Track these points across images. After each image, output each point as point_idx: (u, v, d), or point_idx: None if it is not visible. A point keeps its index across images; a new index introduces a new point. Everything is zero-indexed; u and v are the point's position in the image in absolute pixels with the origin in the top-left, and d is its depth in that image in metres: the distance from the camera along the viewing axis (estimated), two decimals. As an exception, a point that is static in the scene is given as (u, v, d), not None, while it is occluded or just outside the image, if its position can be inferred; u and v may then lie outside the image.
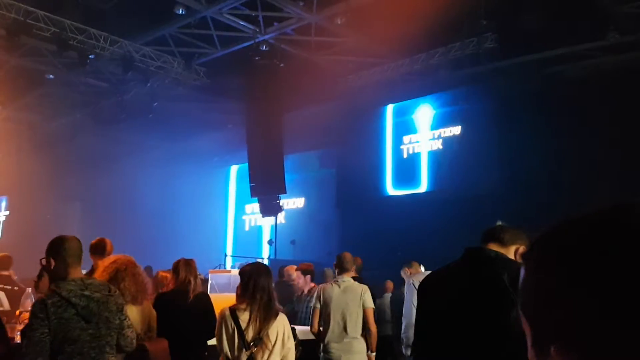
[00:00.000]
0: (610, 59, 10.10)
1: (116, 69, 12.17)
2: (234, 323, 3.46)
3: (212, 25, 11.02)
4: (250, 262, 4.16)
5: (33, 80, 13.24)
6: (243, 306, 3.51)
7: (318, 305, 5.05)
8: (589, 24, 9.41)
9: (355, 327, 4.98)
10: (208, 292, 6.08)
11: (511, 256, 2.34)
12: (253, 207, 16.25)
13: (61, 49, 10.68)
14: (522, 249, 2.39)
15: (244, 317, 3.48)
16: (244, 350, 3.43)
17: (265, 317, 3.49)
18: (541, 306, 0.62)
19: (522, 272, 0.66)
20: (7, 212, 20.74)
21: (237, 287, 3.67)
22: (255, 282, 3.54)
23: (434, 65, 11.64)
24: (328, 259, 12.89)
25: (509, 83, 11.00)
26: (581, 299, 0.57)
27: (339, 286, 5.06)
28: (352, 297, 5.02)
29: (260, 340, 3.45)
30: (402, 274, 6.33)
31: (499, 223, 2.56)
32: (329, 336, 4.98)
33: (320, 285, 5.26)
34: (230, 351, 3.46)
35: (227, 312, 3.50)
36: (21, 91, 13.39)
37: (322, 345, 5.03)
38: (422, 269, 6.20)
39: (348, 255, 5.23)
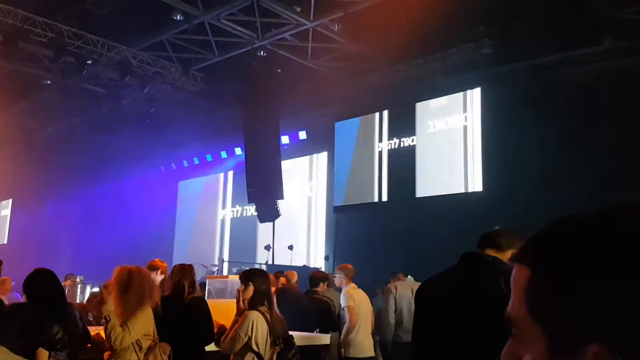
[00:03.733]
0: (606, 65, 10.15)
1: (113, 75, 12.17)
2: (266, 325, 3.91)
3: (210, 31, 11.04)
4: (252, 268, 4.45)
5: (30, 85, 13.24)
6: (265, 309, 3.95)
7: (353, 304, 5.88)
8: (584, 30, 9.47)
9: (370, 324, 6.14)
10: (206, 298, 6.07)
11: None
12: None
13: (58, 55, 10.68)
14: None
15: (268, 319, 3.95)
16: (275, 348, 3.94)
17: (283, 318, 4.12)
18: (570, 306, 0.58)
19: (524, 273, 0.63)
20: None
21: (246, 292, 3.98)
22: (269, 287, 4.08)
23: (430, 71, 11.67)
24: (325, 264, 12.93)
25: (505, 88, 11.04)
26: (634, 295, 0.55)
27: (359, 292, 6.08)
28: (368, 301, 6.17)
29: (284, 339, 4.01)
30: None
31: (497, 228, 2.56)
32: (358, 332, 5.83)
33: (348, 290, 6.01)
34: (262, 350, 3.88)
35: (260, 315, 3.91)
36: (18, 96, 13.39)
37: (348, 339, 5.82)
38: (410, 278, 6.69)
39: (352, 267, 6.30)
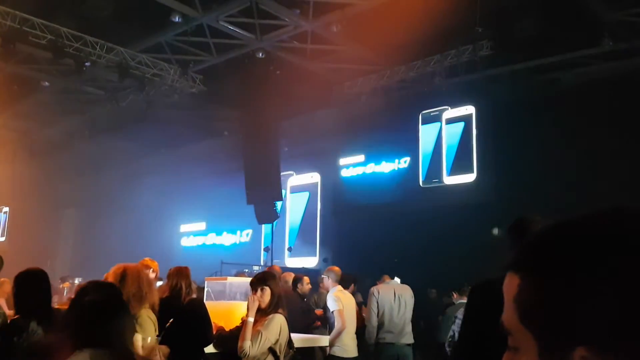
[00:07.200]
0: (605, 66, 10.17)
1: (112, 77, 12.15)
2: (287, 327, 4.00)
3: (209, 32, 11.03)
4: (263, 271, 4.61)
5: (28, 87, 13.21)
6: (283, 311, 4.03)
7: (342, 307, 5.99)
8: (583, 32, 9.49)
9: None
10: (204, 300, 6.05)
11: None
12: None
13: (57, 57, 10.66)
14: None
15: (287, 321, 4.06)
16: (290, 351, 4.04)
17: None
18: (556, 310, 0.58)
19: (515, 280, 0.62)
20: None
21: (264, 295, 4.00)
22: (280, 289, 4.16)
23: (429, 73, 11.68)
24: (324, 265, 12.91)
25: (503, 90, 11.05)
26: (619, 297, 0.55)
27: (346, 294, 6.23)
28: (354, 303, 6.36)
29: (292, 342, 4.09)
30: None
31: (495, 232, 2.54)
32: (344, 334, 5.90)
33: (337, 294, 6.06)
34: (281, 353, 3.96)
35: (284, 319, 3.99)
36: (16, 98, 13.35)
37: (334, 340, 5.88)
38: (397, 280, 6.78)
39: None
